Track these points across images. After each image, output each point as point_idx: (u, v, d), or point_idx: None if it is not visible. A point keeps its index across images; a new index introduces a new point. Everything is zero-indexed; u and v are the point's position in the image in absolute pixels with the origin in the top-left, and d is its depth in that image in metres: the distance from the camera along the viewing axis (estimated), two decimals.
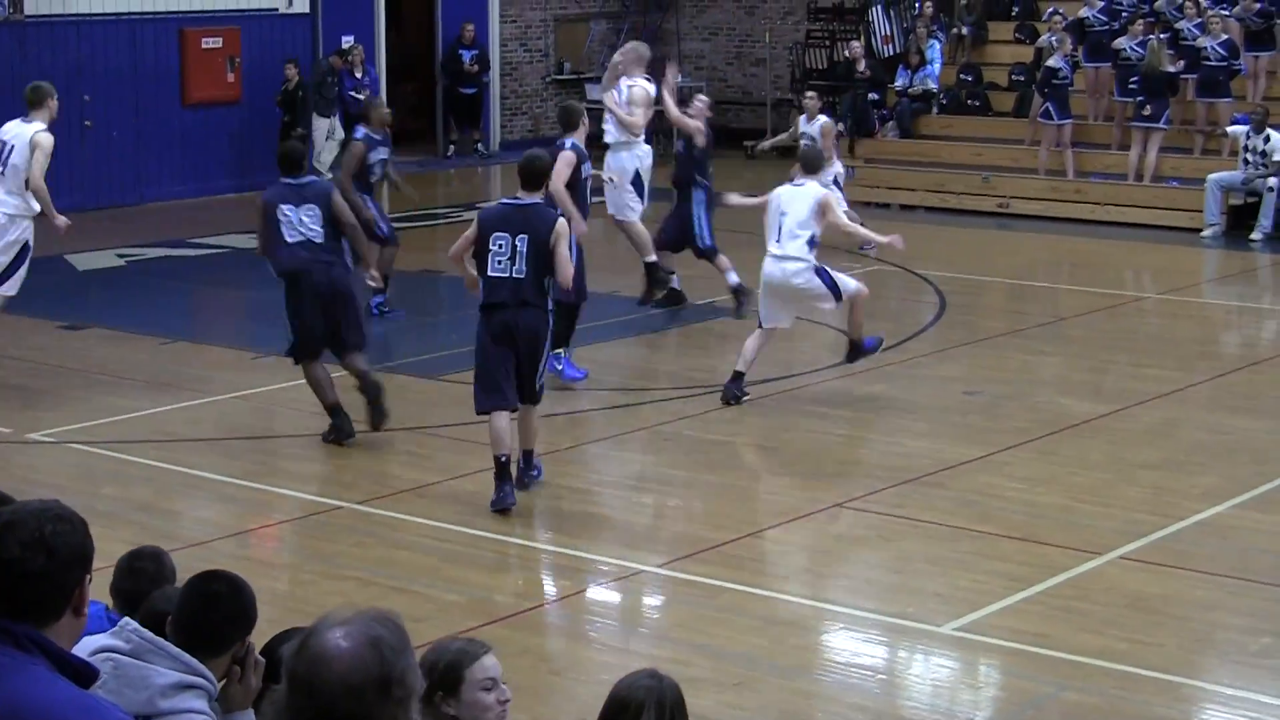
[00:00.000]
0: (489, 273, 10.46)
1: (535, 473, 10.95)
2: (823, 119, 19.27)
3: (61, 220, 13.49)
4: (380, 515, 10.46)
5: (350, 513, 10.53)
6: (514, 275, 10.40)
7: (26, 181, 13.22)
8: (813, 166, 13.18)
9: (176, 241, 16.75)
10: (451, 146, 28.30)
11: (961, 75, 25.03)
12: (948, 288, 17.54)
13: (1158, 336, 16.02)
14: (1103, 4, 23.30)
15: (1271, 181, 20.49)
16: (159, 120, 22.69)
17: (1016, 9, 26.34)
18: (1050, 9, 24.04)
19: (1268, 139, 20.67)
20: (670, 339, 15.71)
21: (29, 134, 13.25)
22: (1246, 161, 20.78)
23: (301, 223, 11.62)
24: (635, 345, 15.47)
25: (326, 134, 25.37)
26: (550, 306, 10.67)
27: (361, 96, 24.73)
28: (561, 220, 10.68)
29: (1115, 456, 11.68)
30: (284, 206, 11.65)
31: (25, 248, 13.40)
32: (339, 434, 11.88)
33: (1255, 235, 20.57)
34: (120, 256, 17.24)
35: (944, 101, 24.86)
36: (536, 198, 10.68)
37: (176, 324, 15.89)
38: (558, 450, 11.75)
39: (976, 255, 19.65)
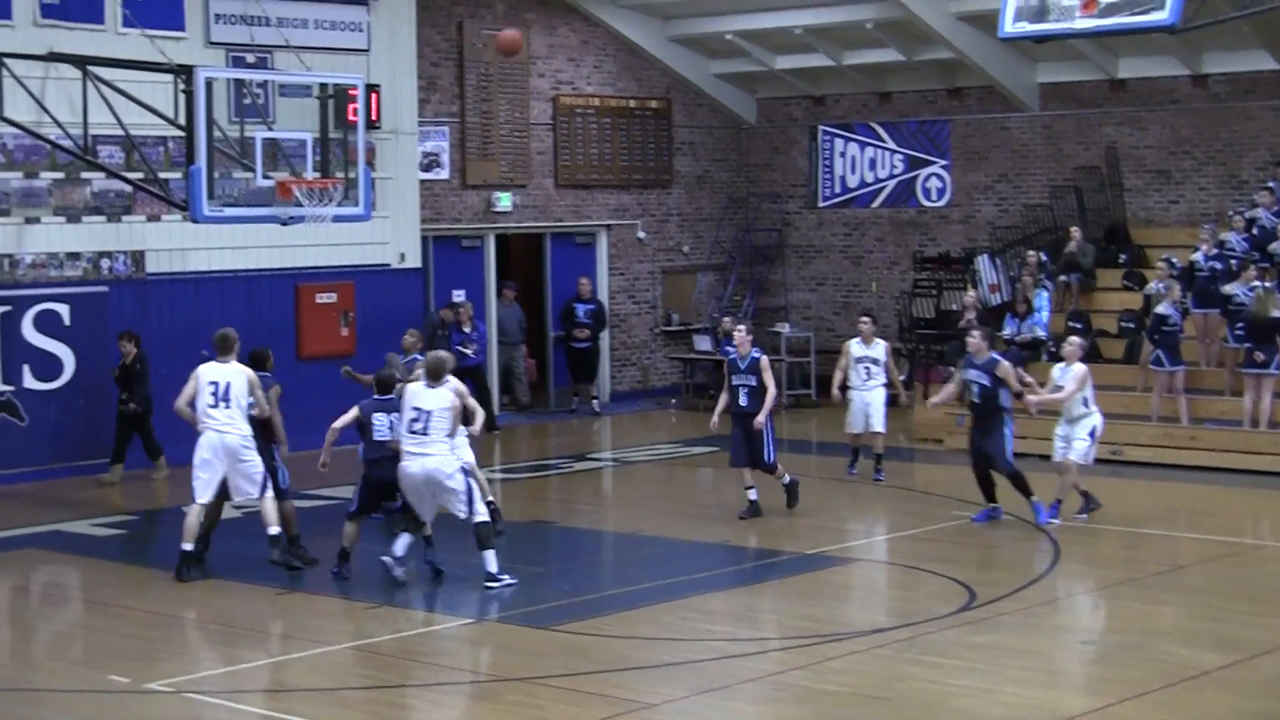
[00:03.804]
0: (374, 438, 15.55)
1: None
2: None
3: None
4: None
5: None
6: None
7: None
8: None
9: (294, 493, 16.95)
10: (575, 399, 28.60)
11: (1070, 323, 25.07)
12: (1062, 536, 17.39)
13: (1278, 585, 15.73)
14: (1214, 250, 23.34)
15: None
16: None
17: (1124, 256, 26.47)
18: (1165, 256, 24.09)
19: None
20: (773, 588, 15.61)
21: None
22: None
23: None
24: (741, 595, 15.39)
25: None
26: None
27: (470, 351, 25.10)
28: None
29: (1237, 708, 11.43)
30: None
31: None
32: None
33: None
34: (236, 508, 17.44)
35: (1053, 349, 24.86)
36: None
37: (291, 576, 15.96)
38: (672, 701, 11.66)
39: None
